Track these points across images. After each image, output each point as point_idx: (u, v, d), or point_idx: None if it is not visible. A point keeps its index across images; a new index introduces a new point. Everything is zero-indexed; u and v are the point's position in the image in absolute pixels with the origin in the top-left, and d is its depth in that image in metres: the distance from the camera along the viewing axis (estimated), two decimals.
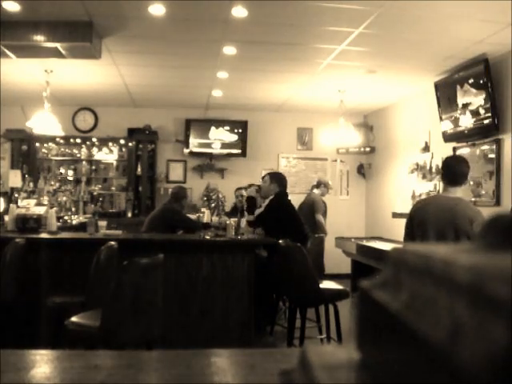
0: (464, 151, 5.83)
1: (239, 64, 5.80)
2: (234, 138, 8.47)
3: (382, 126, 8.27)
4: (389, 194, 7.83)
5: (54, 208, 5.18)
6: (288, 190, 5.45)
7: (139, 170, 8.23)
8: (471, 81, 5.38)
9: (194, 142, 8.40)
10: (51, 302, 3.46)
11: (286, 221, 4.75)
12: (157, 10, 4.21)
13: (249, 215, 4.93)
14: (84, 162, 8.42)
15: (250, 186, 6.91)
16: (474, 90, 5.36)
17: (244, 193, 6.87)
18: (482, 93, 5.23)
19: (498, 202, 5.16)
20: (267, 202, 5.12)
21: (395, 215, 7.04)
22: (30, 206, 4.61)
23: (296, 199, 7.26)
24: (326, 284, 4.28)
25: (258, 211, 5.13)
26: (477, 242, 0.29)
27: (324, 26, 4.55)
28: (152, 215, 5.33)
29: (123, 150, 8.38)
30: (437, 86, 6.04)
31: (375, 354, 0.33)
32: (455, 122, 5.76)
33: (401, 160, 7.46)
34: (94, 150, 8.35)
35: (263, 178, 5.33)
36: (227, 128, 8.47)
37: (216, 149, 8.44)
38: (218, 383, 0.50)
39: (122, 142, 8.29)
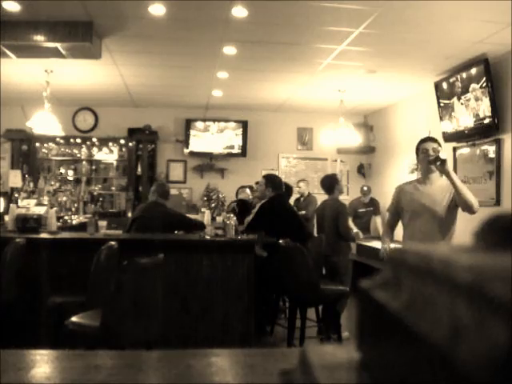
0: (464, 151, 5.83)
1: (239, 64, 5.80)
2: (233, 137, 8.48)
3: (382, 126, 8.27)
4: (389, 193, 7.82)
5: (54, 208, 5.18)
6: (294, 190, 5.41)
7: (139, 169, 8.24)
8: (471, 81, 5.38)
9: (194, 142, 8.41)
10: (51, 302, 3.46)
11: (281, 222, 4.72)
12: (157, 9, 4.21)
13: (239, 224, 4.91)
14: (84, 162, 8.43)
15: (244, 187, 6.90)
16: (474, 90, 5.35)
17: (248, 191, 6.87)
18: (482, 93, 5.23)
19: (498, 202, 5.16)
20: (258, 207, 5.10)
21: None
22: (30, 206, 4.61)
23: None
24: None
25: (248, 219, 5.11)
26: (477, 242, 0.29)
27: (324, 26, 4.55)
28: (149, 217, 4.87)
29: (123, 149, 8.39)
30: (437, 85, 6.04)
31: (375, 353, 0.33)
32: (455, 121, 5.76)
33: (401, 160, 7.46)
34: (94, 149, 8.36)
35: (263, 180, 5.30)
36: (227, 128, 8.48)
37: (216, 149, 8.45)
38: (218, 383, 0.50)
39: (122, 141, 8.30)
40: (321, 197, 5.69)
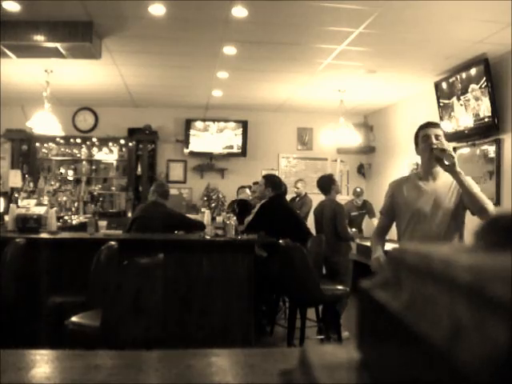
0: (464, 151, 5.83)
1: (239, 64, 5.80)
2: (233, 137, 8.48)
3: (382, 125, 8.27)
4: None
5: (54, 208, 5.18)
6: (288, 190, 5.43)
7: (139, 169, 8.24)
8: (471, 81, 5.38)
9: (194, 142, 8.41)
10: (51, 301, 3.46)
11: (281, 222, 4.73)
12: (157, 9, 4.21)
13: (239, 224, 4.92)
14: (84, 162, 8.43)
15: (244, 187, 6.90)
16: (473, 90, 5.35)
17: (248, 191, 6.88)
18: (482, 93, 5.23)
19: (498, 202, 5.16)
20: (258, 207, 5.11)
21: None
22: (30, 206, 4.61)
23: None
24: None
25: (248, 219, 5.12)
26: (477, 242, 0.29)
27: (324, 26, 4.55)
28: (148, 217, 4.85)
29: (123, 149, 8.39)
30: (437, 85, 6.04)
31: (375, 353, 0.33)
32: (455, 121, 5.76)
33: (401, 160, 7.46)
34: (94, 149, 8.36)
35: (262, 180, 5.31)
36: (227, 128, 8.48)
37: (216, 149, 8.45)
38: (218, 383, 0.50)
39: (122, 141, 8.30)
40: (319, 197, 5.69)
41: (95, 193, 8.20)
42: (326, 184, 5.26)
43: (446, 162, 2.57)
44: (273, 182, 5.08)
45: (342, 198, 8.63)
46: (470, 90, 5.41)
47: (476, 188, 2.63)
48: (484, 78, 5.14)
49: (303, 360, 0.40)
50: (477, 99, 5.32)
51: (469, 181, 2.62)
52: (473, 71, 5.32)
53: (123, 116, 8.30)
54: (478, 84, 5.27)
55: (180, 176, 8.57)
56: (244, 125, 8.45)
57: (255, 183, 6.41)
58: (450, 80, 5.75)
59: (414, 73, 5.97)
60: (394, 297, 0.31)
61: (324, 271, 5.11)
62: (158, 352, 0.62)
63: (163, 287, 2.84)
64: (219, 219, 5.84)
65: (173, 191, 6.57)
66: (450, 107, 5.82)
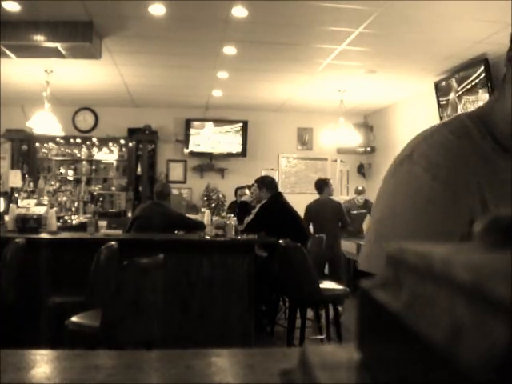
0: None
1: (239, 64, 5.80)
2: (233, 137, 8.48)
3: (382, 126, 8.27)
4: None
5: (54, 208, 5.18)
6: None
7: (139, 169, 8.24)
8: (471, 81, 5.38)
9: (194, 142, 8.41)
10: (51, 302, 3.46)
11: (281, 222, 4.74)
12: (157, 9, 4.21)
13: (239, 224, 4.92)
14: (84, 162, 8.43)
15: (245, 187, 6.92)
16: (473, 90, 5.36)
17: (247, 192, 6.89)
18: (481, 93, 5.23)
19: None
20: (258, 207, 5.13)
21: None
22: (30, 206, 4.61)
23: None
24: (326, 284, 4.29)
25: (248, 219, 5.14)
26: (477, 242, 0.29)
27: (324, 26, 4.55)
28: (147, 216, 4.84)
29: (123, 149, 8.39)
30: (437, 85, 6.04)
31: (375, 353, 0.33)
32: None
33: None
34: (94, 149, 8.36)
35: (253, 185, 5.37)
36: (227, 128, 8.48)
37: (216, 149, 8.45)
38: (218, 383, 0.50)
39: (122, 141, 8.30)
40: (308, 197, 5.77)
41: (95, 193, 8.21)
42: (320, 184, 6.04)
43: None
44: (265, 183, 5.11)
45: (342, 198, 8.65)
46: (470, 89, 5.41)
47: None
48: (484, 78, 5.15)
49: (303, 360, 0.40)
50: (477, 99, 5.32)
51: None
52: (473, 71, 5.32)
53: (123, 116, 8.30)
54: (477, 84, 5.27)
55: (180, 176, 8.57)
56: (244, 125, 8.46)
57: (254, 185, 6.44)
58: (450, 80, 5.76)
59: (413, 73, 5.97)
60: (394, 297, 0.31)
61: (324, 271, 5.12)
62: (157, 352, 0.62)
63: (163, 287, 2.84)
64: (219, 219, 5.84)
65: (173, 191, 6.58)
66: (450, 107, 5.82)
